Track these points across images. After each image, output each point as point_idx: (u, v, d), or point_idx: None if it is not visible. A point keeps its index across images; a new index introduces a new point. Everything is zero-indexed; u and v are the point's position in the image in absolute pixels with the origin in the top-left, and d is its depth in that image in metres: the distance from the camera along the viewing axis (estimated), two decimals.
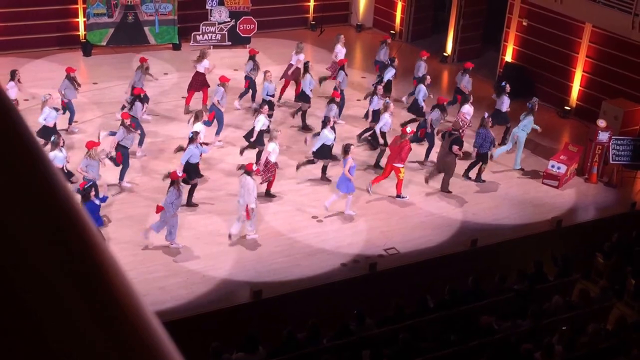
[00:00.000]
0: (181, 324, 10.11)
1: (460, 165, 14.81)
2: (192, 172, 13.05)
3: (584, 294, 11.26)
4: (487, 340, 9.84)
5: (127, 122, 13.58)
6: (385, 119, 14.92)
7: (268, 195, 13.71)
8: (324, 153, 14.23)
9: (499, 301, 10.98)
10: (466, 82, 17.15)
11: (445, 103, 15.82)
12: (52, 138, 12.81)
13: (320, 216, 13.52)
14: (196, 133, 13.21)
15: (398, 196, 14.13)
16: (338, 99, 15.60)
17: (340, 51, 18.21)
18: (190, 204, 13.19)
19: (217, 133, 15.48)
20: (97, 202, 11.65)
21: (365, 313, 10.09)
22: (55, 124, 14.10)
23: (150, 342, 0.88)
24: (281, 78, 17.43)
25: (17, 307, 0.82)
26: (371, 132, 15.48)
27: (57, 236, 0.92)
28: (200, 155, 13.32)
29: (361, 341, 9.75)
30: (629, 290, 12.11)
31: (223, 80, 15.36)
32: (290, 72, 17.46)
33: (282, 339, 9.61)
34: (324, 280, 11.73)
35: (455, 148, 14.12)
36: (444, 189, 14.53)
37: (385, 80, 17.33)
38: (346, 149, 13.22)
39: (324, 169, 14.50)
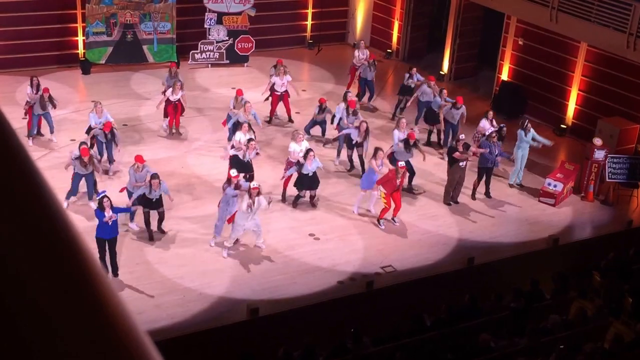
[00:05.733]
0: (177, 342, 10.07)
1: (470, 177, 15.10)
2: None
3: (581, 313, 11.23)
4: (484, 359, 9.81)
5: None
6: (396, 134, 15.00)
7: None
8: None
9: (496, 319, 10.96)
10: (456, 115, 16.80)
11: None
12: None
13: (317, 233, 13.54)
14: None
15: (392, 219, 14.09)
16: (353, 108, 16.00)
17: (357, 58, 19.00)
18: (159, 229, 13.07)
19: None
20: (106, 213, 11.44)
21: (361, 331, 10.06)
22: (89, 126, 15.02)
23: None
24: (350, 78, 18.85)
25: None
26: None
27: (42, 247, 0.89)
28: None
29: None
30: (626, 309, 12.09)
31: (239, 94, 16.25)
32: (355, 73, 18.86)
33: (278, 358, 9.58)
34: (320, 298, 11.71)
35: (456, 154, 14.44)
36: (448, 200, 14.84)
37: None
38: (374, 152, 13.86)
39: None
